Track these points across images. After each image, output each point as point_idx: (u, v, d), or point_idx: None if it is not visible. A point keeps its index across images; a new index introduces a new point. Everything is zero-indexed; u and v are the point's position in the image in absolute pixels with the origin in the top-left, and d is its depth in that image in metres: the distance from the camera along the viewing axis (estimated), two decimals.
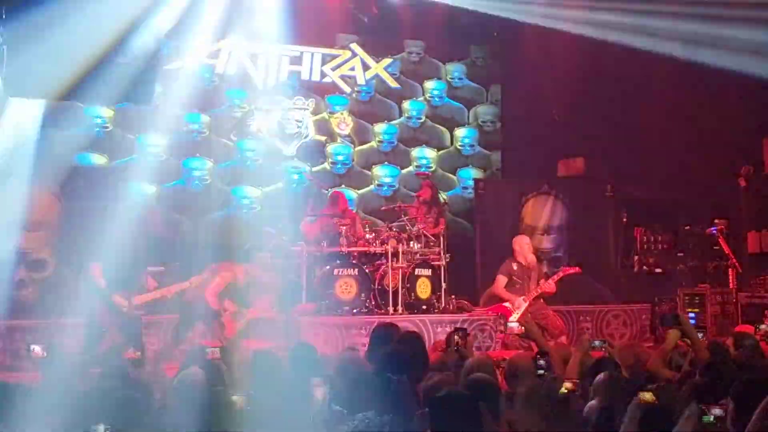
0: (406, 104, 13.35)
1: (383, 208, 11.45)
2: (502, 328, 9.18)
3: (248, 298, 8.29)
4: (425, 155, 13.35)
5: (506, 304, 9.38)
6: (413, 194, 11.53)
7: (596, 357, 5.14)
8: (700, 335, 5.76)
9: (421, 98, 13.48)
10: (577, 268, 9.69)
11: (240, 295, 8.28)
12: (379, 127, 13.14)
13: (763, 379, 3.96)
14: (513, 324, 5.29)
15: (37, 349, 4.78)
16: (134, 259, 8.16)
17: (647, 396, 3.75)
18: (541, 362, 4.54)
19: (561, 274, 9.52)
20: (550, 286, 9.34)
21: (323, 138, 12.76)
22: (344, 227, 9.65)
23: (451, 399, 3.56)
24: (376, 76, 13.17)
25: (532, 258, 9.48)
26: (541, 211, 11.94)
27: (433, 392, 4.08)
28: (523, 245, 9.53)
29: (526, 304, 9.26)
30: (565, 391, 4.14)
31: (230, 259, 8.49)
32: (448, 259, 9.97)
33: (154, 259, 9.93)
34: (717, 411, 3.69)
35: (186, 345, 7.88)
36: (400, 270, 9.59)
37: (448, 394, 3.60)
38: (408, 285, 9.58)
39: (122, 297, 7.60)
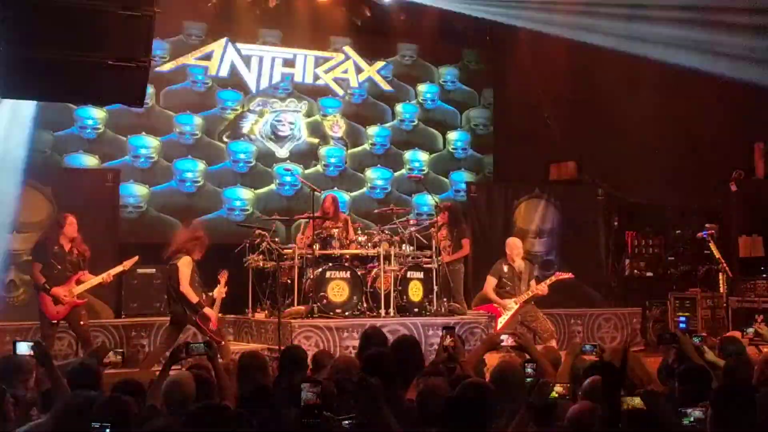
0: (398, 107, 13.37)
1: (376, 210, 11.45)
2: (492, 330, 9.20)
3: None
4: (418, 158, 13.37)
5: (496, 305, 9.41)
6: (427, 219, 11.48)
7: (588, 361, 5.14)
8: (697, 340, 5.78)
9: (414, 101, 13.50)
10: (570, 274, 9.69)
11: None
12: (372, 130, 13.16)
13: (741, 384, 4.00)
14: (505, 336, 5.26)
15: (23, 347, 4.68)
16: None
17: (635, 401, 3.76)
18: (529, 369, 4.52)
19: (554, 278, 9.52)
20: (543, 289, 9.34)
21: (316, 140, 12.76)
22: (336, 230, 9.64)
23: (449, 404, 3.56)
24: (369, 78, 13.19)
25: (519, 263, 9.46)
26: (533, 215, 11.96)
27: (424, 397, 4.07)
28: (513, 248, 9.53)
29: (517, 307, 9.27)
30: (556, 395, 4.14)
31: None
32: (439, 263, 9.97)
33: (146, 260, 9.96)
34: (697, 413, 3.72)
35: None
36: (392, 273, 9.60)
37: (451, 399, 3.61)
38: (400, 288, 9.58)
39: (62, 290, 7.89)
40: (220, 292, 8.31)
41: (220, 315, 8.51)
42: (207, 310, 8.06)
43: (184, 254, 8.17)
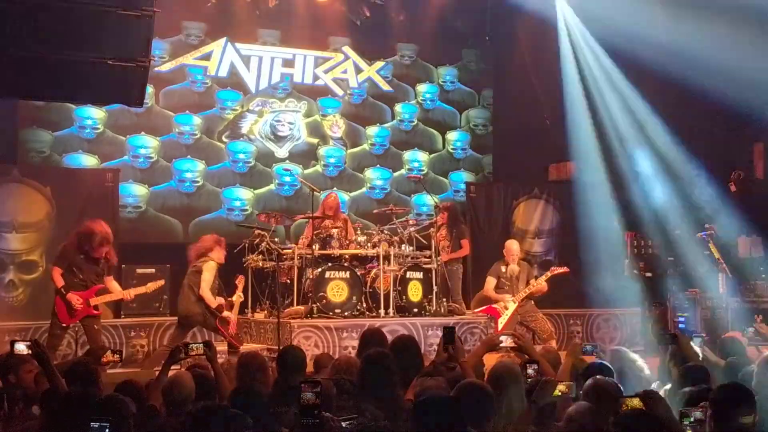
0: (398, 107, 13.36)
1: (375, 211, 11.45)
2: (491, 331, 9.21)
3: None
4: (417, 158, 13.37)
5: (495, 306, 9.41)
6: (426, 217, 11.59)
7: (588, 361, 5.14)
8: (698, 340, 5.78)
9: (414, 101, 13.50)
10: (565, 268, 9.74)
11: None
12: (372, 130, 13.15)
13: (740, 385, 4.00)
14: (504, 337, 5.25)
15: (21, 347, 4.66)
16: None
17: (634, 402, 3.76)
18: (530, 371, 4.50)
19: (549, 274, 9.53)
20: (541, 285, 9.34)
21: (315, 140, 12.76)
22: (336, 230, 9.64)
23: (434, 403, 3.54)
24: (369, 79, 13.18)
25: (516, 266, 9.45)
26: (532, 215, 11.97)
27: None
28: (510, 252, 9.54)
29: (515, 305, 9.26)
30: (559, 393, 4.14)
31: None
32: (438, 262, 9.97)
33: (146, 260, 9.96)
34: (697, 414, 3.73)
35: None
36: (392, 273, 9.59)
37: (431, 399, 3.60)
38: (399, 288, 9.58)
39: (78, 298, 7.87)
40: (239, 296, 8.45)
41: (238, 317, 8.63)
42: (227, 313, 8.22)
43: (209, 259, 8.24)
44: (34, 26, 5.42)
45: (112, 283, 8.20)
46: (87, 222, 8.22)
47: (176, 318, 8.72)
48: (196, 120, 12.05)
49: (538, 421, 3.99)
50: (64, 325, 7.95)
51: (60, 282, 7.89)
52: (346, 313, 9.27)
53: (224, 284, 8.59)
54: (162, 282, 8.80)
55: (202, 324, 8.37)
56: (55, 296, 7.94)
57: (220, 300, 8.32)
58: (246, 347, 8.73)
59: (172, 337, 8.62)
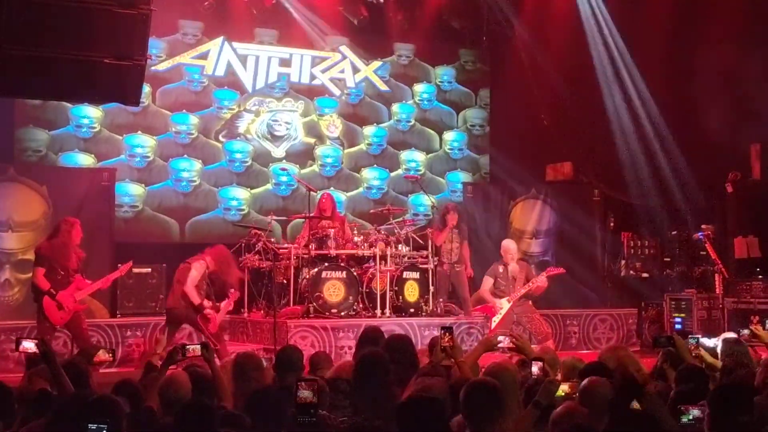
0: (395, 107, 13.35)
1: (372, 211, 11.45)
2: (488, 331, 9.20)
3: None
4: (414, 158, 13.35)
5: (490, 304, 9.40)
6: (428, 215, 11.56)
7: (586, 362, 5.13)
8: (693, 341, 5.77)
9: (411, 101, 13.48)
10: (561, 269, 9.74)
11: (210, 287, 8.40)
12: (369, 130, 13.13)
13: (738, 385, 4.00)
14: (502, 338, 5.22)
15: (29, 345, 4.60)
16: None
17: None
18: (535, 369, 4.45)
19: (545, 274, 9.52)
20: (542, 280, 9.29)
21: (312, 140, 12.74)
22: (332, 230, 9.64)
23: (418, 405, 3.53)
24: (366, 78, 13.16)
25: (514, 266, 9.40)
26: (530, 215, 11.98)
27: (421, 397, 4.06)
28: (507, 251, 9.50)
29: (510, 305, 9.25)
30: (563, 394, 4.12)
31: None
32: (436, 263, 9.97)
33: (142, 260, 9.94)
34: (695, 412, 3.73)
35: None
36: (388, 273, 9.59)
37: (414, 400, 3.59)
38: (396, 288, 9.59)
39: (67, 296, 7.85)
40: (227, 305, 8.42)
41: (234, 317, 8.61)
42: (209, 312, 8.18)
43: (201, 259, 8.27)
44: (29, 25, 5.40)
45: (85, 282, 8.13)
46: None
47: None
48: (193, 119, 12.03)
49: (536, 421, 3.98)
50: (56, 326, 7.90)
51: (46, 284, 7.80)
52: (342, 313, 9.27)
53: (216, 294, 8.53)
54: (130, 263, 8.77)
55: (184, 319, 8.32)
56: (42, 298, 7.80)
57: (207, 302, 8.29)
58: (242, 347, 8.72)
59: (162, 333, 8.60)
